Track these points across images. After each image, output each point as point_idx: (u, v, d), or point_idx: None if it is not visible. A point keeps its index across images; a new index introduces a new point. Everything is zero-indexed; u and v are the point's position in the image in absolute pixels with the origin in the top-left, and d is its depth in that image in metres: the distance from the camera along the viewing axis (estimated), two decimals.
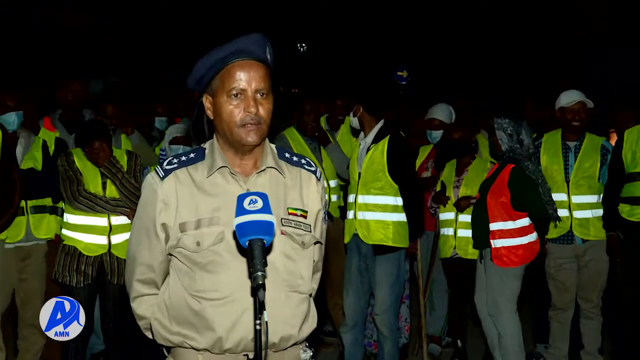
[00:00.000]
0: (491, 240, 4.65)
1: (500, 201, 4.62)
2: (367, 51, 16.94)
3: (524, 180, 4.60)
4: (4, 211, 4.29)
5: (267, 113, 2.13)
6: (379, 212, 4.72)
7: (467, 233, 5.09)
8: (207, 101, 2.18)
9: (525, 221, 4.64)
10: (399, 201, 4.75)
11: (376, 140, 4.75)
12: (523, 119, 4.84)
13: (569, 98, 5.12)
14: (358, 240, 4.80)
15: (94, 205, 4.43)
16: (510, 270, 4.66)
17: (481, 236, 4.73)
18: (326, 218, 2.35)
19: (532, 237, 4.67)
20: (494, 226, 4.65)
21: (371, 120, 4.81)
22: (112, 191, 4.51)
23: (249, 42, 2.12)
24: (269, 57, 2.16)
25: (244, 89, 2.10)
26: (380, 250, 4.71)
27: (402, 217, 4.75)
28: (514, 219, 4.63)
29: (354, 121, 4.89)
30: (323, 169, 5.39)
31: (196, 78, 2.17)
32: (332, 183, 5.60)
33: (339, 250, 5.55)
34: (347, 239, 4.91)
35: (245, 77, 2.10)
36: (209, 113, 2.18)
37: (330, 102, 6.32)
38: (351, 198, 4.86)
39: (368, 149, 4.76)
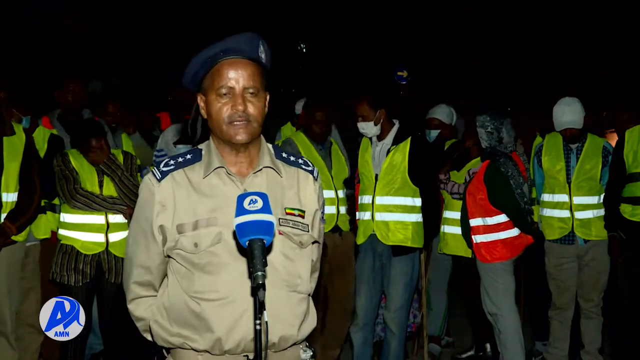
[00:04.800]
0: (472, 236, 4.71)
1: (479, 198, 4.67)
2: (367, 51, 16.94)
3: (496, 174, 4.63)
4: (22, 212, 4.32)
5: (257, 111, 2.11)
6: (399, 212, 4.72)
7: (450, 229, 5.36)
8: (201, 100, 2.18)
9: (502, 217, 4.67)
10: (416, 202, 4.76)
11: (396, 141, 4.74)
12: (506, 116, 4.81)
13: (557, 123, 5.14)
14: (373, 240, 4.79)
15: (91, 203, 4.44)
16: (495, 266, 4.68)
17: (466, 234, 4.79)
18: (323, 218, 2.34)
19: (512, 232, 4.70)
20: (472, 222, 4.72)
21: (388, 123, 4.80)
22: (109, 189, 4.51)
23: (239, 41, 2.11)
24: (262, 55, 2.14)
25: (232, 87, 2.09)
26: (399, 251, 4.72)
27: (419, 217, 4.77)
28: (491, 215, 4.67)
29: (370, 128, 4.75)
30: (332, 177, 4.99)
31: (189, 76, 2.16)
32: (341, 193, 5.10)
33: (346, 269, 5.07)
34: (361, 240, 4.87)
35: (234, 75, 2.09)
36: (203, 112, 2.18)
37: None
38: (366, 199, 4.83)
39: (388, 151, 4.74)
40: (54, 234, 4.71)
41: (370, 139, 4.90)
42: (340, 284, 5.07)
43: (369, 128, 4.78)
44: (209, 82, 2.12)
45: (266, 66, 2.17)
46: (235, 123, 2.09)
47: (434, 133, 5.87)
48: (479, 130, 4.74)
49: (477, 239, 4.70)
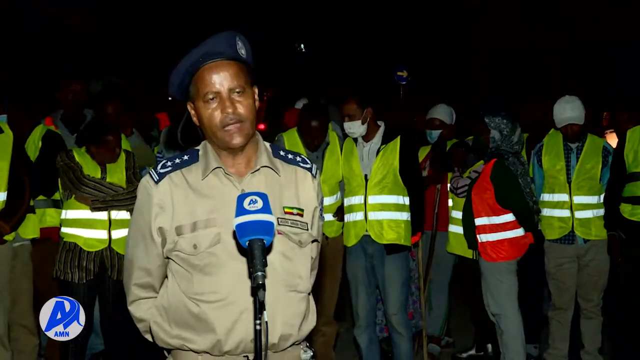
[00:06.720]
0: (477, 236, 4.70)
1: (486, 197, 4.65)
2: (367, 51, 16.94)
3: (505, 172, 4.61)
4: (15, 211, 4.31)
5: (247, 109, 2.10)
6: (392, 211, 4.74)
7: (453, 228, 5.36)
8: (191, 109, 2.17)
9: (509, 216, 4.66)
10: (406, 201, 4.78)
11: (385, 141, 4.76)
12: (516, 118, 4.83)
13: (559, 120, 5.12)
14: (364, 241, 4.79)
15: (100, 187, 4.45)
16: (500, 265, 4.67)
17: (470, 234, 4.77)
18: (322, 215, 2.33)
19: (518, 232, 4.68)
20: (478, 221, 4.70)
21: (374, 124, 4.81)
22: (113, 181, 4.53)
23: (216, 43, 2.09)
24: (242, 52, 2.12)
25: (217, 91, 2.08)
26: (392, 249, 4.73)
27: (409, 216, 4.80)
28: (498, 214, 4.65)
29: (357, 127, 4.75)
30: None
31: (175, 87, 2.15)
32: (330, 200, 5.04)
33: (330, 274, 4.99)
34: (353, 242, 4.85)
35: (217, 79, 2.07)
36: (195, 120, 2.17)
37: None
38: (356, 200, 4.83)
39: (377, 151, 4.75)
40: (55, 231, 4.69)
41: (356, 140, 4.88)
42: (321, 287, 4.94)
43: (355, 127, 4.77)
44: (195, 90, 2.11)
45: (247, 61, 2.15)
46: (228, 127, 2.08)
47: (435, 133, 5.84)
48: (492, 132, 4.68)
49: (483, 238, 4.68)
